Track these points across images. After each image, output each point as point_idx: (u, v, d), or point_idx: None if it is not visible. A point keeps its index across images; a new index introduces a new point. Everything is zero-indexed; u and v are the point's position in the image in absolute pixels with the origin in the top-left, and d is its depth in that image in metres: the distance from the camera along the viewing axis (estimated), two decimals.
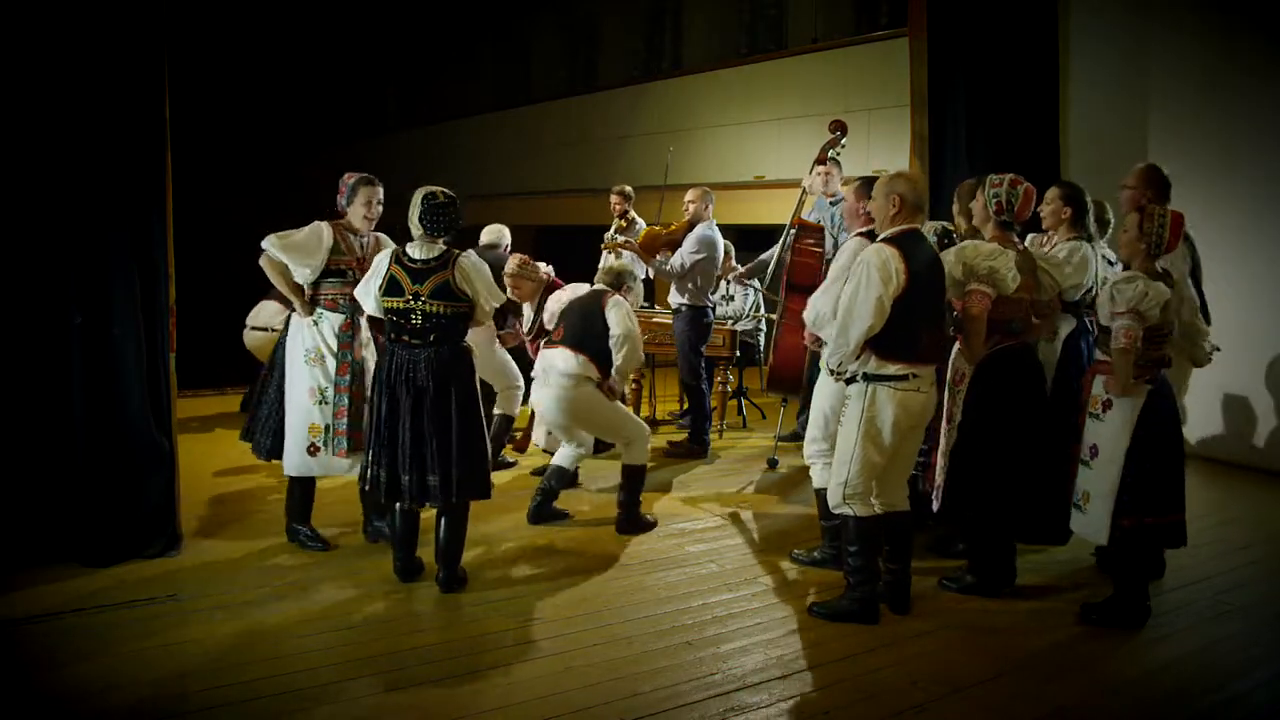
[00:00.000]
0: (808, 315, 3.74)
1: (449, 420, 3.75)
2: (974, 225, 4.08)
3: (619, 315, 4.62)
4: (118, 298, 3.95)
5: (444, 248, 3.78)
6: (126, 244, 3.97)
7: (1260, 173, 5.99)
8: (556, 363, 4.56)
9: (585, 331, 4.59)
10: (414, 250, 3.75)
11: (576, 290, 4.98)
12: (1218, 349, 4.01)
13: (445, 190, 3.78)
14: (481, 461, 3.87)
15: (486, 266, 3.87)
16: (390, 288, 3.73)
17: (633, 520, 4.66)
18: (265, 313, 6.34)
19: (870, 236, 3.80)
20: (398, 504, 3.86)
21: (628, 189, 7.21)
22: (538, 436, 5.36)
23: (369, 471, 3.83)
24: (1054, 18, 6.59)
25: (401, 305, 3.72)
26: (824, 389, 4.07)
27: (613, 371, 4.61)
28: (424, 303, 3.72)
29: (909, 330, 3.50)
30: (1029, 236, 4.44)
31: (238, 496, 5.05)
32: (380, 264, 3.79)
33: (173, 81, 4.08)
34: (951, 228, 4.44)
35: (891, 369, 3.50)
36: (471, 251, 3.90)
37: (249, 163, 19.07)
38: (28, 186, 3.80)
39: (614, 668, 3.22)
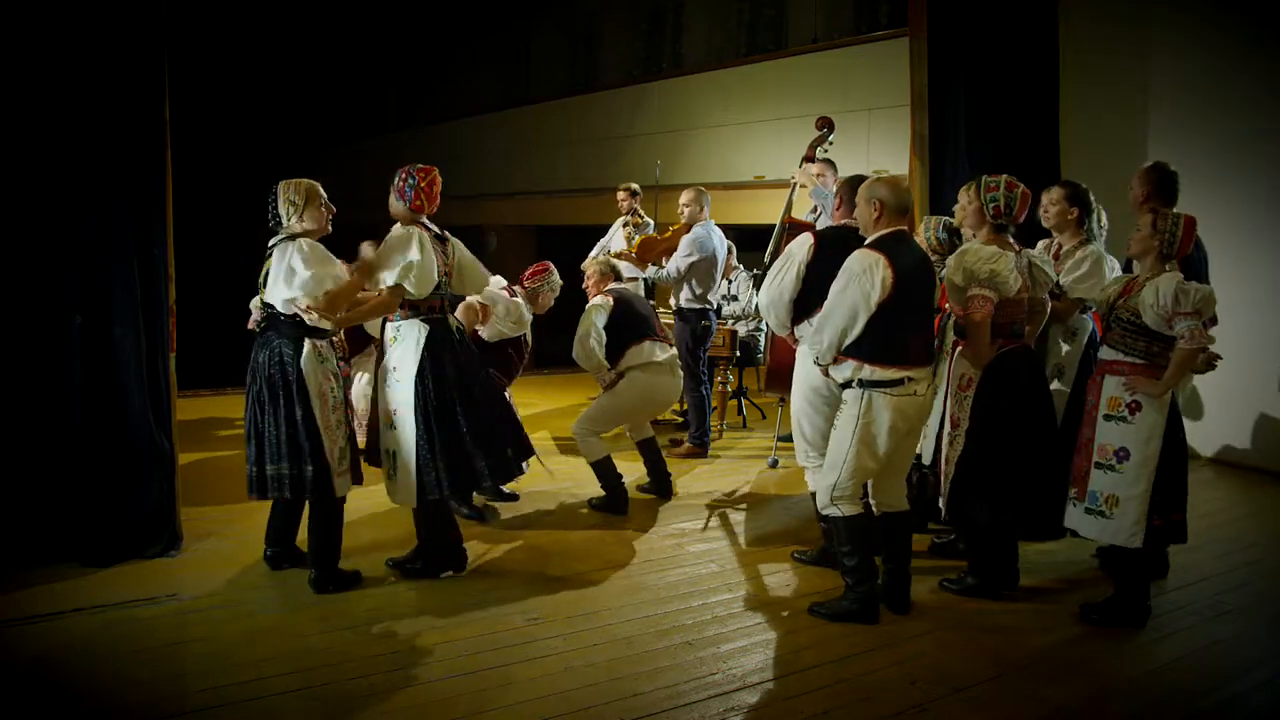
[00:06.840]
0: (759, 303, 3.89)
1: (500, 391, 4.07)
2: (968, 229, 4.06)
3: None
4: (118, 298, 3.95)
5: None
6: (127, 244, 3.97)
7: (1262, 172, 5.99)
8: (675, 356, 5.12)
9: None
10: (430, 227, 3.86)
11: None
12: (1219, 358, 3.91)
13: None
14: None
15: None
16: (435, 266, 3.77)
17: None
18: None
19: (840, 232, 3.89)
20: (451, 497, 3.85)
21: (634, 186, 7.18)
22: None
23: (436, 474, 3.70)
24: (1054, 17, 6.60)
25: (441, 279, 3.84)
26: (797, 399, 4.08)
27: None
28: (446, 276, 3.90)
29: (898, 334, 3.50)
30: (1039, 243, 4.41)
31: (238, 496, 5.02)
32: (420, 243, 3.70)
33: (173, 81, 4.08)
34: (955, 224, 4.42)
35: (886, 375, 3.49)
36: None
37: (249, 163, 19.07)
38: (28, 187, 3.81)
39: (614, 668, 3.23)
